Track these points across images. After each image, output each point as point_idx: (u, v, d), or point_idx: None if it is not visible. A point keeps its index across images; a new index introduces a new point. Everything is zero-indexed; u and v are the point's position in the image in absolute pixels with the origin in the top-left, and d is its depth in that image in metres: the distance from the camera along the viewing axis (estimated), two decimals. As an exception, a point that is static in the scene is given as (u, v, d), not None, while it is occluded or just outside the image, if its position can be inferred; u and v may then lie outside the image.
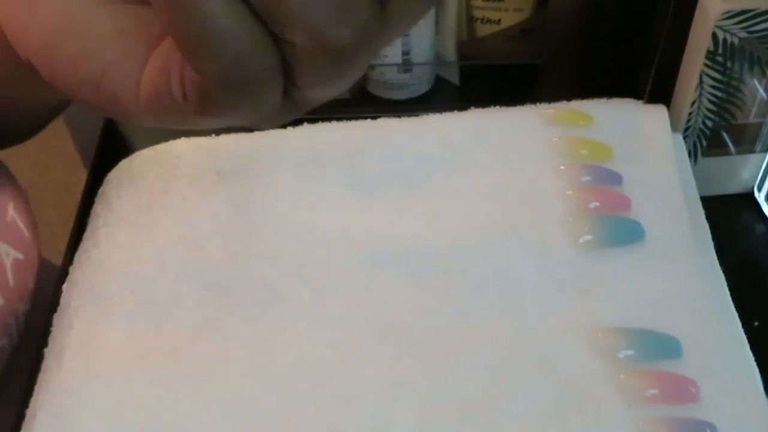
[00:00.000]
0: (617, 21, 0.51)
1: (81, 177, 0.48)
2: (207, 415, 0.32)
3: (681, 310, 0.35)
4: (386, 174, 0.40)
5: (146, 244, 0.36)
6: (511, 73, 0.55)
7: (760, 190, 0.45)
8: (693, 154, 0.44)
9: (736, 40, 0.39)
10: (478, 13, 0.52)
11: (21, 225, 0.38)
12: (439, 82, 0.55)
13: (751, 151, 0.44)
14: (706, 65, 0.40)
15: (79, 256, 0.37)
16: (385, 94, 0.54)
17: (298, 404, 0.32)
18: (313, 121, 0.42)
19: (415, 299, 0.35)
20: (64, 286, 0.36)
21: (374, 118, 0.42)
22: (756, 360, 0.35)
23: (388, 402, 0.32)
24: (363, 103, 0.54)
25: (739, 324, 0.36)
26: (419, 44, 0.52)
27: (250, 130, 0.41)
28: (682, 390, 0.33)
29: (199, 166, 0.40)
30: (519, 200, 0.39)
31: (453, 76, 0.55)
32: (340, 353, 0.33)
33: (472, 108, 0.42)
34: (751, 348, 0.35)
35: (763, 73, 0.41)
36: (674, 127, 0.42)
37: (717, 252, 0.39)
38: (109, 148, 0.50)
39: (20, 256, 0.40)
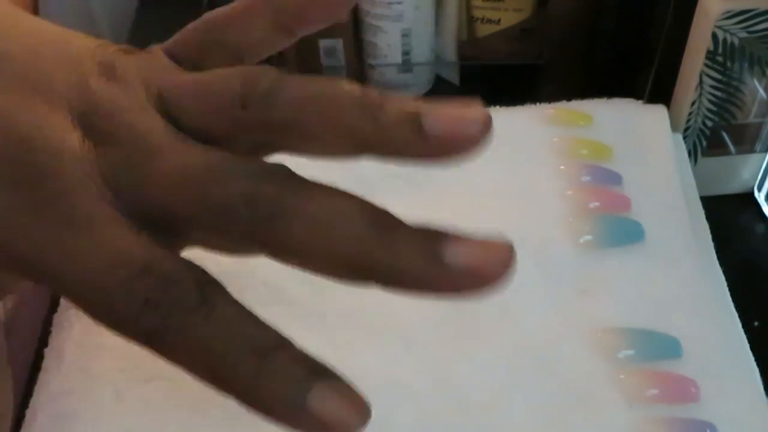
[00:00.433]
0: (617, 21, 0.50)
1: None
2: (207, 415, 0.32)
3: (681, 310, 0.35)
4: (386, 174, 0.40)
5: (146, 244, 0.36)
6: (511, 73, 0.55)
7: (760, 190, 0.45)
8: (693, 154, 0.44)
9: (736, 40, 0.39)
10: (478, 13, 0.52)
11: None
12: (439, 82, 0.55)
13: (751, 151, 0.44)
14: (706, 65, 0.40)
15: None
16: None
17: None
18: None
19: (415, 299, 0.35)
20: (64, 286, 0.36)
21: (374, 118, 0.42)
22: (756, 360, 0.35)
23: (388, 402, 0.32)
24: (363, 103, 0.54)
25: (739, 324, 0.36)
26: (419, 44, 0.52)
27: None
28: (682, 390, 0.33)
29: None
30: (519, 200, 0.39)
31: (453, 76, 0.55)
32: (340, 353, 0.33)
33: (472, 108, 0.42)
34: (751, 348, 0.35)
35: (763, 73, 0.41)
36: (674, 127, 0.42)
37: (717, 252, 0.39)
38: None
39: None
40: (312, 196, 0.21)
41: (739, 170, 0.45)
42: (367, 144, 0.22)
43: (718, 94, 0.41)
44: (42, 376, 0.33)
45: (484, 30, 0.53)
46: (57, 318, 0.35)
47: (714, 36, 0.39)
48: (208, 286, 0.21)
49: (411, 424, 0.32)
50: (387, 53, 0.51)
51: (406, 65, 0.52)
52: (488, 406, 0.32)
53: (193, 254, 0.23)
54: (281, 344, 0.21)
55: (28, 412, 0.32)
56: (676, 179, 0.40)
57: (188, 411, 0.32)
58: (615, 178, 0.39)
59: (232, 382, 0.20)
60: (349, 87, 0.22)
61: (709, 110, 0.42)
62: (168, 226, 0.22)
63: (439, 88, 0.55)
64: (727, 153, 0.44)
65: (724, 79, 0.41)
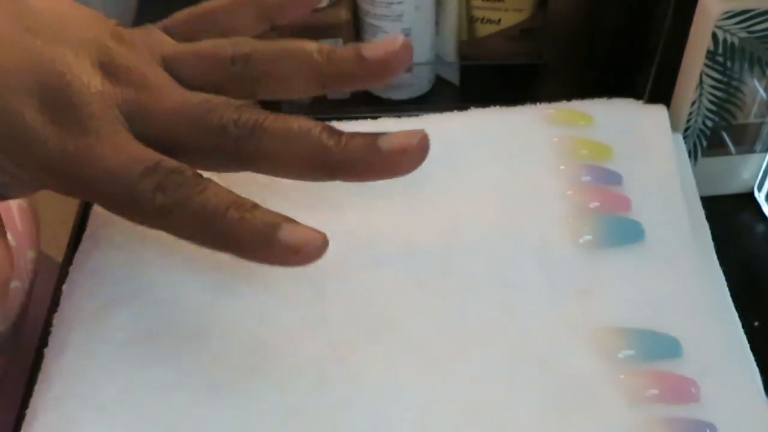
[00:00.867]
0: (617, 21, 0.50)
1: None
2: (207, 415, 0.32)
3: (681, 310, 0.35)
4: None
5: (146, 245, 0.36)
6: (511, 73, 0.55)
7: (760, 190, 0.45)
8: (693, 154, 0.44)
9: (736, 40, 0.39)
10: (478, 13, 0.52)
11: None
12: (439, 82, 0.55)
13: (751, 151, 0.44)
14: (706, 65, 0.40)
15: (79, 256, 0.37)
16: (385, 94, 0.54)
17: (298, 404, 0.32)
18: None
19: (415, 299, 0.35)
20: (64, 287, 0.36)
21: (374, 118, 0.42)
22: (756, 360, 0.35)
23: (388, 402, 0.32)
24: (363, 103, 0.54)
25: (739, 324, 0.36)
26: (419, 44, 0.52)
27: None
28: (682, 390, 0.33)
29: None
30: (519, 200, 0.39)
31: (453, 76, 0.55)
32: (340, 353, 0.33)
33: (472, 108, 0.42)
34: (751, 348, 0.35)
35: (763, 73, 0.41)
36: (674, 127, 0.42)
37: (717, 252, 0.39)
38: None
39: (24, 204, 0.41)
40: (283, 118, 0.29)
41: (739, 170, 0.45)
42: (322, 76, 0.31)
43: (718, 94, 0.41)
44: (42, 376, 0.33)
45: (484, 30, 0.53)
46: (57, 318, 0.35)
47: (714, 36, 0.39)
48: (202, 175, 0.29)
49: (411, 424, 0.32)
50: (387, 53, 0.51)
51: (406, 65, 0.52)
52: (488, 406, 0.32)
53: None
54: (256, 205, 0.28)
55: (28, 412, 0.32)
56: (676, 179, 0.40)
57: (188, 411, 0.32)
58: (615, 178, 0.39)
59: (222, 232, 0.28)
60: (308, 44, 0.31)
61: (709, 110, 0.42)
62: (169, 150, 0.29)
63: (439, 88, 0.55)
64: (727, 153, 0.44)
65: (724, 79, 0.41)
